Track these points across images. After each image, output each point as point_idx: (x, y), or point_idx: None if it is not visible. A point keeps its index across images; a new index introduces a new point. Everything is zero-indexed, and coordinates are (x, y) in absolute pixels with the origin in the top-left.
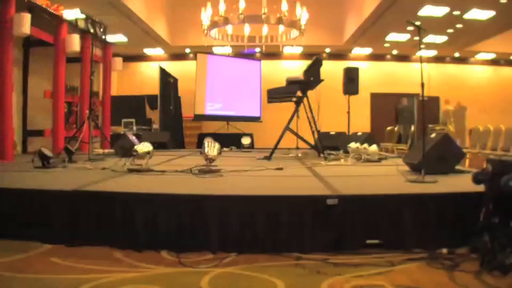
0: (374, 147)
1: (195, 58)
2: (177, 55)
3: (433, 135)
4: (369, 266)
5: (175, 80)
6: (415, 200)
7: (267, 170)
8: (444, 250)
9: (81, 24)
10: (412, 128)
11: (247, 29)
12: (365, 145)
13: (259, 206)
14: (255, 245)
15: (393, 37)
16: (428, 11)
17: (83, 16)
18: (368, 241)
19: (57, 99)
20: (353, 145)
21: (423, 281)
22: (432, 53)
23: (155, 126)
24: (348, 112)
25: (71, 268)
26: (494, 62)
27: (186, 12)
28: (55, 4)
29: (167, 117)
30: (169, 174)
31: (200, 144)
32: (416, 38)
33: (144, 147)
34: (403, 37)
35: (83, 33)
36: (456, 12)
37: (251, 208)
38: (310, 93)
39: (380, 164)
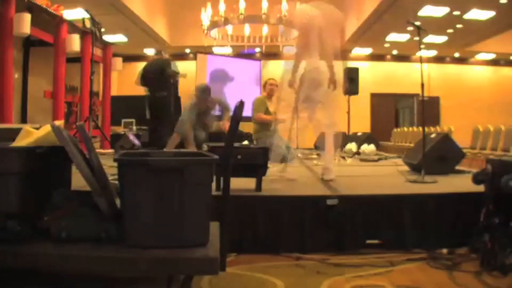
0: (372, 147)
1: (195, 58)
2: (177, 55)
3: (433, 135)
4: (369, 266)
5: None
6: (415, 200)
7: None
8: (444, 250)
9: (81, 25)
10: None
11: (247, 29)
12: (365, 145)
13: (259, 206)
14: (255, 245)
15: (393, 37)
16: (428, 11)
17: (88, 16)
18: (368, 241)
19: (57, 99)
20: (348, 146)
21: (423, 281)
22: (432, 53)
23: None
24: (348, 112)
25: None
26: (494, 62)
27: (186, 12)
28: (55, 4)
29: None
30: None
31: None
32: (416, 38)
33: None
34: (403, 37)
35: (83, 33)
36: (456, 12)
37: (251, 208)
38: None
39: (380, 164)
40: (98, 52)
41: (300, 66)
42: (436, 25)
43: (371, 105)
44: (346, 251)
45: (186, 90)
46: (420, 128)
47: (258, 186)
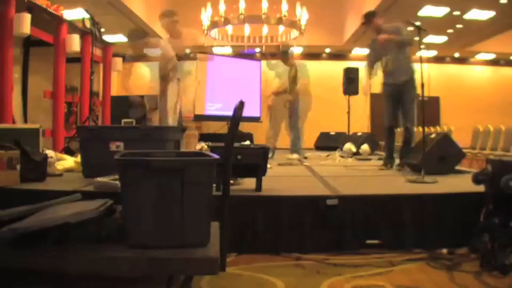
0: (365, 146)
1: (195, 58)
2: (177, 55)
3: (433, 135)
4: (369, 266)
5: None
6: (415, 200)
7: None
8: (444, 250)
9: (81, 25)
10: None
11: (247, 29)
12: (365, 145)
13: (259, 206)
14: (255, 245)
15: None
16: (428, 11)
17: (88, 16)
18: (368, 241)
19: (57, 99)
20: (348, 145)
21: (423, 281)
22: (432, 53)
23: None
24: (348, 112)
25: None
26: (494, 62)
27: (186, 12)
28: (55, 4)
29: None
30: None
31: None
32: (416, 38)
33: None
34: None
35: (83, 33)
36: (456, 12)
37: (251, 208)
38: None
39: (380, 164)
40: (98, 52)
41: None
42: (436, 25)
43: (371, 105)
44: (346, 251)
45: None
46: (420, 128)
47: (258, 186)
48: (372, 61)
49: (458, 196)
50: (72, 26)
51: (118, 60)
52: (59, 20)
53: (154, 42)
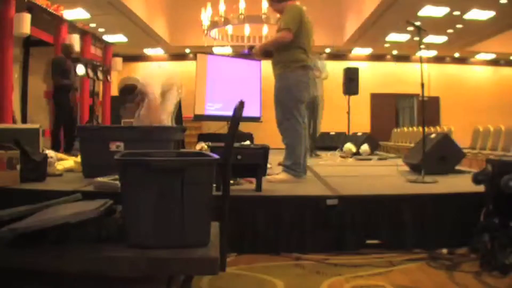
0: (365, 146)
1: (195, 58)
2: (177, 55)
3: (433, 135)
4: (369, 266)
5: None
6: (415, 200)
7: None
8: (444, 250)
9: (81, 24)
10: None
11: (247, 29)
12: (365, 145)
13: (259, 206)
14: (255, 245)
15: (393, 37)
16: (428, 11)
17: (87, 16)
18: (368, 241)
19: None
20: (347, 145)
21: (423, 281)
22: (432, 53)
23: None
24: (348, 112)
25: None
26: (494, 62)
27: (186, 12)
28: (55, 4)
29: None
30: None
31: None
32: (416, 38)
33: None
34: (403, 37)
35: (83, 33)
36: (456, 12)
37: (251, 208)
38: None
39: (380, 164)
40: (98, 52)
41: None
42: (436, 25)
43: (371, 105)
44: (346, 251)
45: (186, 90)
46: (420, 128)
47: (258, 186)
48: None
49: (458, 196)
50: (72, 26)
51: (118, 60)
52: (59, 20)
53: None
